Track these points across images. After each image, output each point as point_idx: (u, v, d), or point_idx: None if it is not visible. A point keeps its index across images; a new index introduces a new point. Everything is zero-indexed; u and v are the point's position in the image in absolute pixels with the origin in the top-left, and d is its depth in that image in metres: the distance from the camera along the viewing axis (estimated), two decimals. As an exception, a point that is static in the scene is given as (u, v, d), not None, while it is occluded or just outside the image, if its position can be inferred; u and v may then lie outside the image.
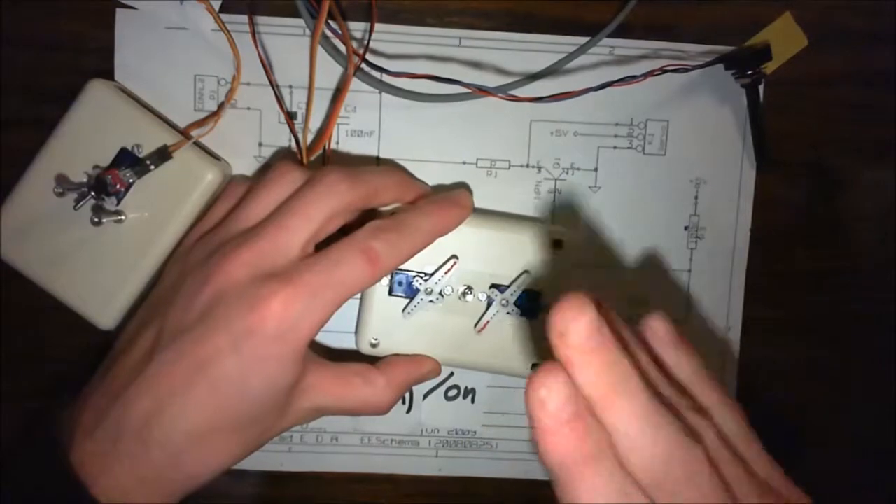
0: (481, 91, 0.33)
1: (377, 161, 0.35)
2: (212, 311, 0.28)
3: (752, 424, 0.24)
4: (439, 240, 0.33)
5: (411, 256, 0.31)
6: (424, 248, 0.31)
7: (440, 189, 0.35)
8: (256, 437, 0.29)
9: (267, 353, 0.28)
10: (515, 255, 0.33)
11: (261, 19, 0.34)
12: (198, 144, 0.33)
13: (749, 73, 0.34)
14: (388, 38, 0.34)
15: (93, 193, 0.30)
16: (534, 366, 0.34)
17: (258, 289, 0.28)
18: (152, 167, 0.31)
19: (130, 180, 0.31)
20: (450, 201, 0.32)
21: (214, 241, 0.30)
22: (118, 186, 0.31)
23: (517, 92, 0.34)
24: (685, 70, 0.33)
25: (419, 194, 0.33)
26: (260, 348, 0.27)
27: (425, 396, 0.37)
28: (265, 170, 0.34)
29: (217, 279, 0.28)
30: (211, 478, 0.29)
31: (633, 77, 0.33)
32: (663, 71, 0.33)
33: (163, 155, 0.31)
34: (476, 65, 0.35)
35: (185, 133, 0.33)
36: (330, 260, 0.28)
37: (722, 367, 0.37)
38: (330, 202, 0.29)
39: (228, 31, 0.33)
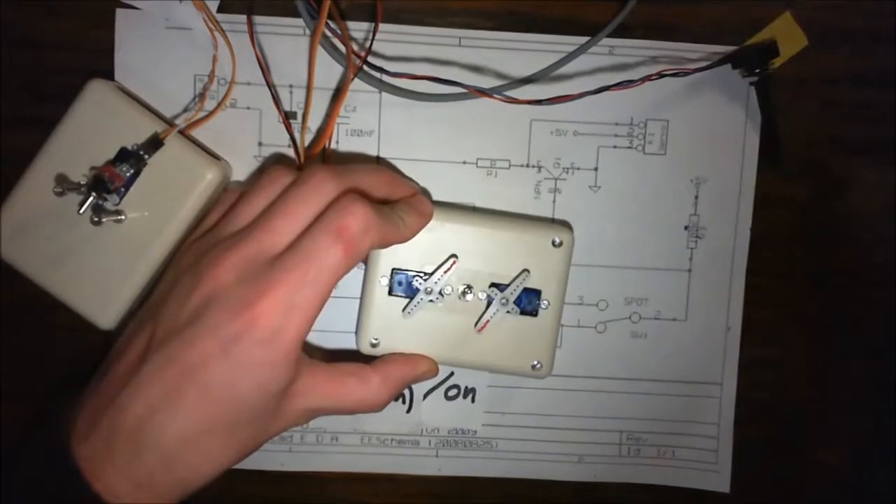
0: (481, 93, 0.33)
1: (377, 161, 0.35)
2: (200, 316, 0.28)
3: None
4: (439, 239, 0.33)
5: (385, 239, 0.30)
6: (396, 238, 0.31)
7: (430, 190, 0.35)
8: (250, 440, 0.29)
9: (255, 358, 0.27)
10: (515, 254, 0.33)
11: (261, 19, 0.34)
12: (198, 145, 0.33)
13: (757, 70, 0.34)
14: (389, 37, 0.34)
15: (93, 194, 0.30)
16: (534, 366, 0.34)
17: (243, 293, 0.27)
18: (146, 157, 0.31)
19: (127, 174, 0.31)
20: (414, 207, 0.32)
21: (205, 245, 0.30)
22: (116, 183, 0.31)
23: (517, 92, 0.34)
24: (684, 74, 0.33)
25: (409, 192, 0.32)
26: (248, 353, 0.27)
27: (425, 396, 0.37)
28: (258, 175, 0.34)
29: (205, 283, 0.28)
30: (205, 481, 0.29)
31: (631, 81, 0.33)
32: (661, 75, 0.33)
33: (154, 143, 0.31)
34: (476, 65, 0.35)
35: (184, 132, 0.33)
36: (303, 254, 0.28)
37: (722, 367, 0.37)
38: (316, 201, 0.29)
39: (224, 31, 0.33)
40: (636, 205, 0.36)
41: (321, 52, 0.34)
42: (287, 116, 0.34)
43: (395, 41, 0.34)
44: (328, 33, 0.33)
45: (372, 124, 0.35)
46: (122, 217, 0.32)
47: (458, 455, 0.37)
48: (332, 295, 0.29)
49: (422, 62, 0.34)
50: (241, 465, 0.30)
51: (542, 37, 0.35)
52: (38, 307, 0.34)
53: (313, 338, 0.36)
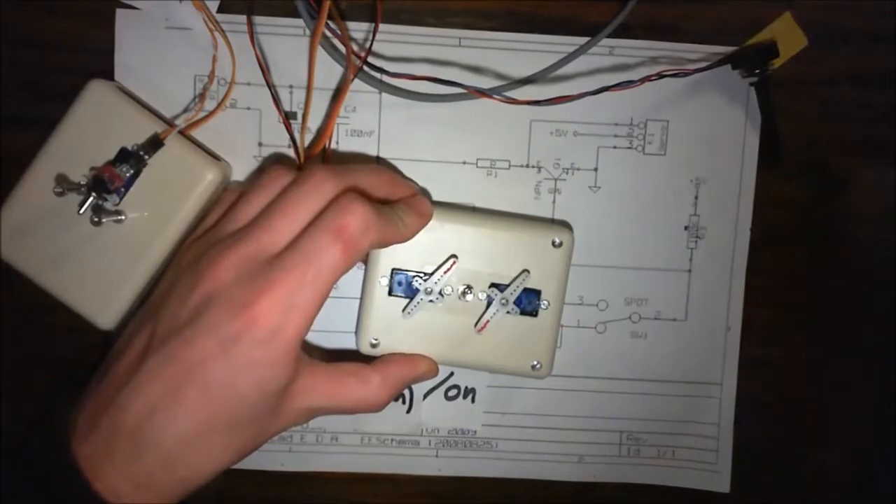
0: (480, 93, 0.33)
1: (377, 161, 0.35)
2: (200, 315, 0.28)
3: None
4: (439, 239, 0.33)
5: (384, 238, 0.30)
6: (395, 238, 0.31)
7: (430, 190, 0.35)
8: (249, 440, 0.29)
9: (255, 358, 0.27)
10: (515, 254, 0.33)
11: (262, 19, 0.34)
12: (198, 145, 0.33)
13: (757, 71, 0.34)
14: (388, 38, 0.34)
15: (93, 194, 0.30)
16: (534, 366, 0.34)
17: (243, 292, 0.27)
18: (146, 157, 0.31)
19: (127, 174, 0.31)
20: (413, 207, 0.32)
21: (204, 244, 0.30)
22: (116, 183, 0.31)
23: (517, 93, 0.34)
24: (684, 74, 0.33)
25: (408, 192, 0.32)
26: (248, 353, 0.27)
27: (425, 396, 0.37)
28: (257, 175, 0.34)
29: (205, 282, 0.28)
30: (205, 480, 0.29)
31: (631, 82, 0.33)
32: (661, 76, 0.33)
33: (154, 144, 0.31)
34: (476, 65, 0.35)
35: (184, 132, 0.33)
36: (302, 253, 0.28)
37: (722, 367, 0.37)
38: (316, 201, 0.29)
39: (224, 31, 0.33)
40: (636, 205, 0.36)
41: (321, 53, 0.34)
42: (287, 117, 0.34)
43: (394, 41, 0.34)
44: (328, 34, 0.33)
45: (372, 125, 0.35)
46: (122, 217, 0.32)
47: (458, 455, 0.37)
48: (332, 295, 0.29)
49: (421, 62, 0.34)
50: (241, 465, 0.30)
51: (541, 37, 0.35)
52: (38, 307, 0.34)
53: (313, 338, 0.36)
